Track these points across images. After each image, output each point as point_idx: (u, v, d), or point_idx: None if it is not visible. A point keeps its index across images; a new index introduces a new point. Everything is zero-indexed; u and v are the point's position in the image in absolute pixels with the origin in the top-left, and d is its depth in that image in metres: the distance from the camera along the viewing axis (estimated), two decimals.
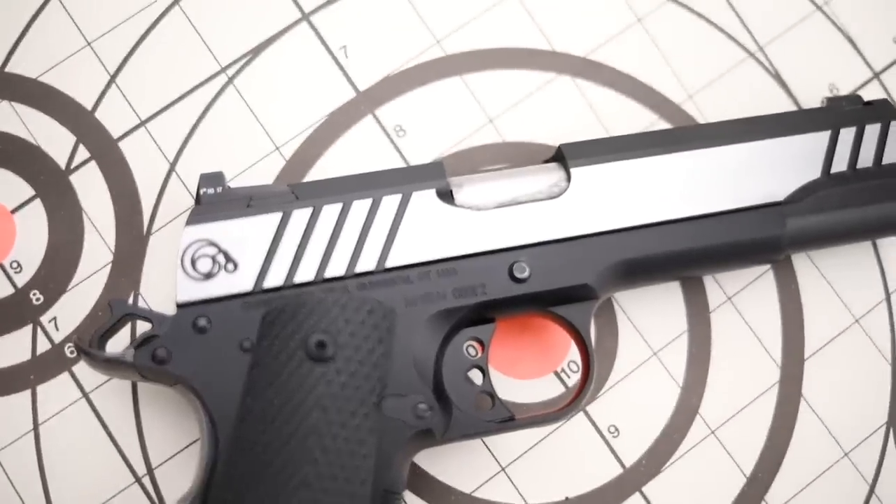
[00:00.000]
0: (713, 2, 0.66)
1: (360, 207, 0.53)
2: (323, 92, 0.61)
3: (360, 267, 0.52)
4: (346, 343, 0.51)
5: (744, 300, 0.62)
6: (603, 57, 0.64)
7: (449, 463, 0.58)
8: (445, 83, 0.62)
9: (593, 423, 0.59)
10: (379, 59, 0.62)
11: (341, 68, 0.61)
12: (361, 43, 0.62)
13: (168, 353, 0.50)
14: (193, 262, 0.51)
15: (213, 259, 0.52)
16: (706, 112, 0.64)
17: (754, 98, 0.65)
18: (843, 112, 0.60)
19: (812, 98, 0.65)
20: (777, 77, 0.65)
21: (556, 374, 0.60)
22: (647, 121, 0.63)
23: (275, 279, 0.52)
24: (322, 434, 0.50)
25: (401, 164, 0.61)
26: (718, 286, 0.62)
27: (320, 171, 0.60)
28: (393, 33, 0.62)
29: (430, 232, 0.53)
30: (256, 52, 0.61)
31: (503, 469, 0.58)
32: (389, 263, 0.53)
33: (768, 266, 0.63)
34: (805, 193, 0.57)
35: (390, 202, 0.53)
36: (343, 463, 0.50)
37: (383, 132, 0.61)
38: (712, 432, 0.60)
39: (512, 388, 0.60)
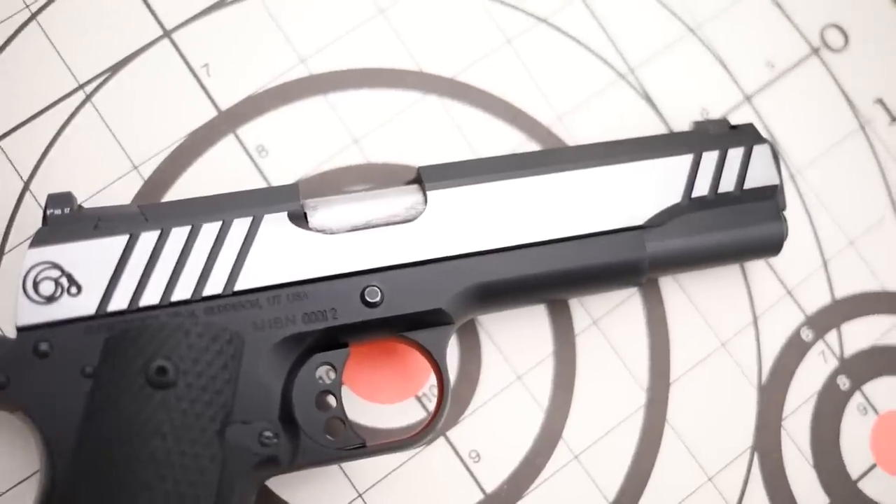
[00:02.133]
0: (584, 23, 0.67)
1: (210, 230, 0.54)
2: (183, 110, 0.62)
3: (208, 291, 0.53)
4: (189, 369, 0.51)
5: (610, 323, 0.64)
6: (471, 78, 0.65)
7: (304, 488, 0.58)
8: (309, 103, 0.63)
9: (454, 449, 0.60)
10: (242, 78, 0.63)
11: (203, 87, 0.62)
12: (224, 61, 0.63)
13: (7, 379, 0.50)
14: (36, 285, 0.52)
15: (57, 282, 0.52)
16: (575, 133, 0.66)
17: (624, 120, 0.67)
18: (708, 136, 0.62)
19: (683, 121, 0.67)
20: (648, 99, 0.67)
21: (418, 398, 0.61)
22: (516, 142, 0.65)
23: (119, 303, 0.52)
24: (161, 462, 0.50)
25: (262, 185, 0.62)
26: (584, 309, 0.64)
27: (179, 191, 0.61)
28: (256, 52, 0.63)
29: (280, 255, 0.54)
30: (116, 69, 0.62)
31: (360, 495, 0.59)
32: (238, 287, 0.53)
33: (635, 289, 0.64)
34: (666, 217, 0.59)
35: (241, 225, 0.54)
36: (183, 491, 0.50)
37: (245, 152, 0.62)
38: (576, 457, 0.62)
39: (373, 414, 0.60)
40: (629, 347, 0.64)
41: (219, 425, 0.51)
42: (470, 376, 0.62)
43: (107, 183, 0.60)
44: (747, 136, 0.62)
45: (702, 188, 0.59)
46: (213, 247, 0.54)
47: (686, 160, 0.60)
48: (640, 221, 0.58)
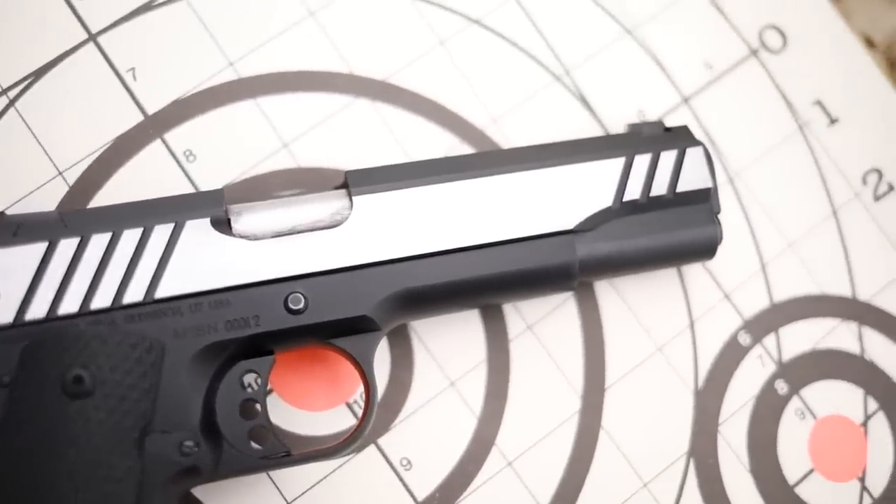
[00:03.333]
0: (518, 25, 0.68)
1: (131, 237, 0.54)
2: (109, 115, 0.62)
3: (128, 298, 0.53)
4: (107, 378, 0.52)
5: (544, 328, 0.65)
6: (404, 80, 0.66)
7: (232, 497, 0.59)
8: (238, 107, 0.64)
9: (385, 456, 0.61)
10: (169, 82, 0.63)
11: (129, 91, 0.63)
12: (151, 65, 0.63)
13: None
14: None
15: None
16: (510, 136, 0.66)
17: (560, 123, 0.67)
18: (641, 138, 0.62)
19: (620, 123, 0.68)
20: (583, 101, 0.68)
21: (349, 405, 0.61)
22: (449, 145, 0.65)
23: (36, 312, 0.52)
24: (77, 472, 0.51)
25: (190, 190, 0.62)
26: (519, 314, 0.64)
27: (106, 197, 0.61)
28: (184, 55, 0.64)
29: (203, 262, 0.54)
30: (40, 73, 0.62)
31: None
32: (159, 295, 0.54)
33: (569, 294, 0.65)
34: (597, 221, 0.59)
35: (162, 231, 0.55)
36: (99, 500, 0.50)
37: (172, 157, 0.62)
38: (509, 464, 0.62)
39: (303, 421, 0.61)
40: (564, 353, 0.65)
41: (137, 435, 0.52)
42: (402, 383, 0.62)
43: (31, 189, 0.61)
44: (681, 138, 0.62)
45: (634, 192, 0.60)
46: (133, 254, 0.54)
47: (618, 163, 0.60)
48: (570, 225, 0.59)
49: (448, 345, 0.63)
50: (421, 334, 0.63)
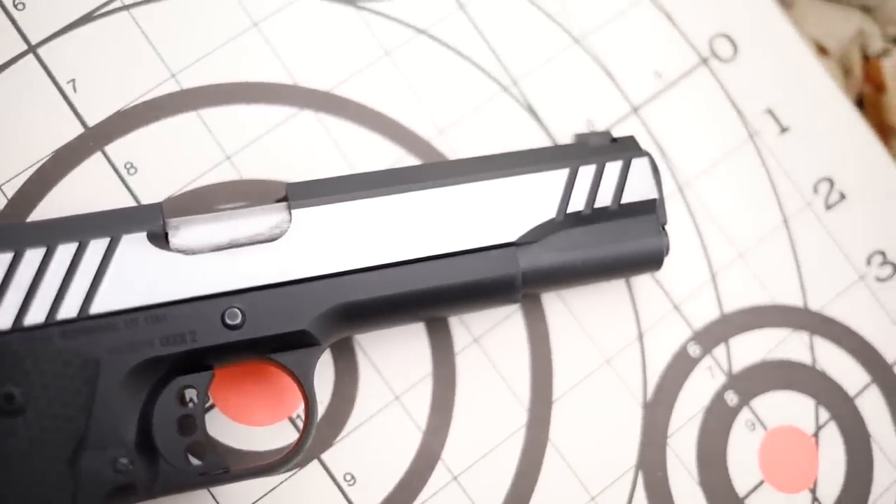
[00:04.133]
0: (466, 35, 0.68)
1: (66, 252, 0.54)
2: (49, 127, 0.62)
3: (62, 314, 0.53)
4: (39, 395, 0.52)
5: (491, 341, 0.65)
6: (349, 91, 0.66)
7: None
8: (181, 118, 0.64)
9: (328, 471, 0.61)
10: (110, 94, 0.63)
11: (69, 103, 0.63)
12: (92, 76, 0.63)
13: None
14: None
15: None
16: (457, 148, 0.66)
17: (508, 133, 0.68)
18: (587, 149, 0.62)
19: (568, 133, 0.68)
20: (531, 112, 0.68)
21: (292, 420, 0.61)
22: (395, 157, 0.66)
23: None
24: (9, 490, 0.51)
25: (131, 203, 0.62)
26: (465, 327, 0.65)
27: (45, 210, 0.61)
28: (126, 66, 0.64)
29: (139, 277, 0.55)
30: None
31: None
32: (94, 311, 0.54)
33: (516, 306, 0.65)
34: (541, 233, 0.60)
35: (98, 246, 0.55)
36: None
37: (113, 170, 0.62)
38: (455, 478, 0.62)
39: (245, 437, 0.61)
40: (510, 365, 0.65)
41: (71, 452, 0.52)
42: (346, 397, 0.62)
43: None
44: (627, 149, 0.63)
45: (578, 203, 0.60)
46: (68, 269, 0.54)
47: (562, 175, 0.61)
48: (513, 238, 0.59)
49: (393, 358, 0.64)
50: (366, 348, 0.63)
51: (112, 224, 0.55)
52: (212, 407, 0.61)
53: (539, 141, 0.68)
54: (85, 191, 0.62)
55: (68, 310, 0.54)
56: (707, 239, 0.69)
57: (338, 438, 0.62)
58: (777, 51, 0.73)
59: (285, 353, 0.57)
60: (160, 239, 0.55)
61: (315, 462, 0.62)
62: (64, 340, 0.53)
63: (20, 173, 0.62)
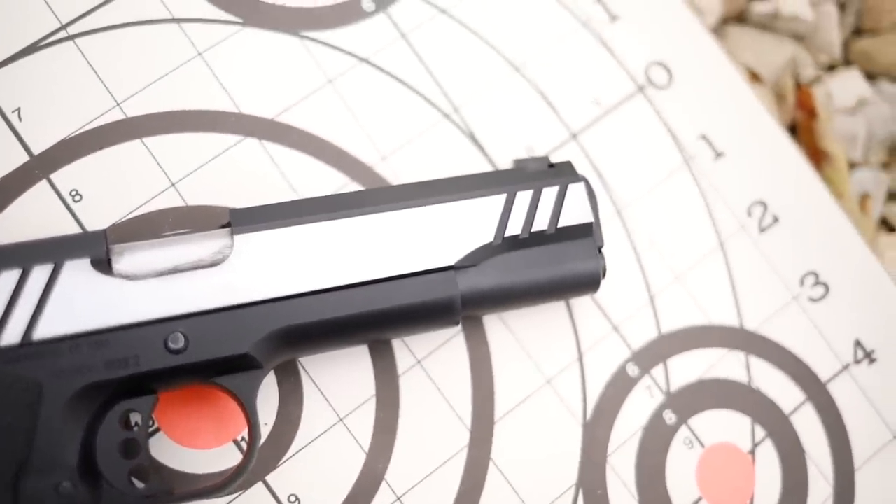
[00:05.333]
0: (407, 63, 0.69)
1: (8, 278, 0.54)
2: None
3: (5, 341, 0.54)
4: None
5: (434, 363, 0.66)
6: (292, 119, 0.67)
7: None
8: (125, 147, 0.64)
9: (272, 493, 0.62)
10: (55, 122, 0.64)
11: (14, 131, 0.63)
12: (37, 105, 0.64)
13: None
14: None
15: None
16: (400, 174, 0.67)
17: (450, 159, 0.69)
18: (525, 174, 0.64)
19: (508, 159, 0.69)
20: (472, 138, 0.69)
21: (236, 443, 0.62)
22: (339, 183, 0.66)
23: None
24: None
25: (77, 230, 0.62)
26: (408, 349, 0.65)
27: None
28: (71, 95, 0.64)
29: (82, 303, 0.55)
30: None
31: None
32: (37, 336, 0.54)
33: (458, 328, 0.66)
34: (479, 257, 0.61)
35: (41, 272, 0.55)
36: None
37: (58, 197, 0.63)
38: (398, 498, 0.63)
39: (191, 460, 0.61)
40: (453, 386, 0.66)
41: (12, 477, 0.52)
42: (290, 419, 0.63)
43: None
44: (564, 174, 0.64)
45: (515, 227, 0.61)
46: (11, 295, 0.54)
47: (499, 199, 0.62)
48: (451, 261, 0.60)
49: (337, 380, 0.64)
50: (310, 370, 0.64)
51: (55, 250, 0.56)
52: (157, 430, 0.61)
53: (480, 166, 0.69)
54: (30, 218, 0.63)
55: (11, 336, 0.54)
56: (645, 261, 0.71)
57: (282, 460, 0.63)
58: (711, 78, 0.75)
59: (228, 376, 0.58)
60: (103, 265, 0.56)
61: (260, 484, 0.62)
62: (6, 365, 0.53)
63: None
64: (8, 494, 0.52)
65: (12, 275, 0.55)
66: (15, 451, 0.53)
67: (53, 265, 0.55)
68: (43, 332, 0.55)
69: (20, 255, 0.55)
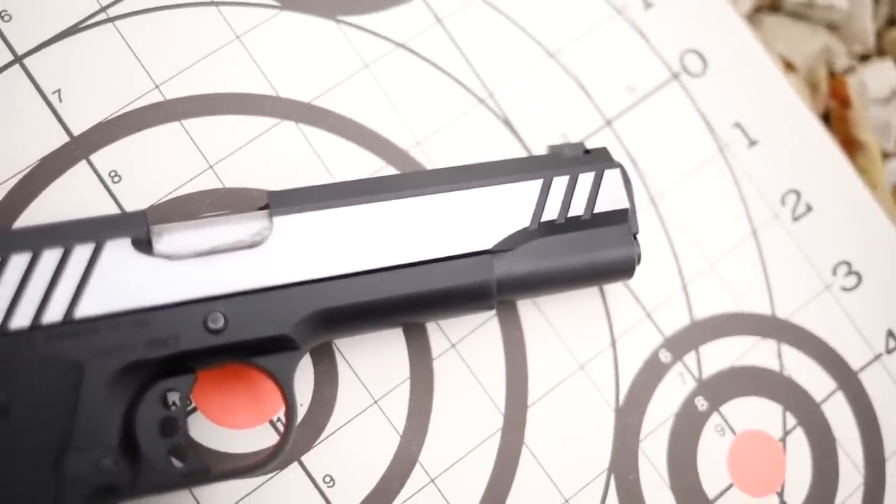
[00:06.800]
0: (443, 48, 0.69)
1: (51, 257, 0.54)
2: (35, 136, 0.63)
3: (47, 319, 0.54)
4: (24, 397, 0.52)
5: (468, 347, 0.66)
6: (329, 103, 0.67)
7: None
8: (164, 129, 0.64)
9: (308, 473, 0.62)
10: (95, 104, 0.64)
11: (55, 112, 0.63)
12: (77, 87, 0.64)
13: None
14: None
15: None
16: (435, 158, 0.67)
17: (484, 144, 0.69)
18: (561, 159, 0.63)
19: (542, 145, 0.69)
20: (507, 124, 0.69)
21: (272, 423, 0.62)
22: (374, 167, 0.66)
23: None
24: None
25: (115, 211, 0.63)
26: (442, 332, 0.65)
27: (30, 217, 0.62)
28: (110, 77, 0.64)
29: (123, 282, 0.55)
30: None
31: None
32: (78, 315, 0.54)
33: (492, 312, 0.66)
34: (515, 242, 0.60)
35: (82, 251, 0.55)
36: None
37: (98, 178, 0.63)
38: (432, 480, 0.63)
39: (227, 439, 0.62)
40: (487, 370, 0.66)
41: (55, 454, 0.52)
42: (326, 401, 0.63)
43: None
44: (600, 160, 0.64)
45: (551, 212, 0.61)
46: (53, 274, 0.54)
47: (536, 185, 0.62)
48: (488, 246, 0.60)
49: (372, 363, 0.64)
50: (345, 353, 0.64)
51: (97, 230, 0.56)
52: (194, 410, 0.61)
53: (514, 152, 0.69)
54: (70, 199, 0.63)
55: (53, 314, 0.54)
56: (678, 249, 0.70)
57: (317, 441, 0.63)
58: (745, 67, 0.75)
59: (266, 356, 0.58)
60: (144, 245, 0.56)
61: (295, 464, 0.62)
62: (48, 344, 0.54)
63: (5, 181, 0.62)
64: (51, 472, 0.52)
65: (55, 253, 0.55)
66: (58, 429, 0.53)
67: (95, 244, 0.55)
68: (84, 310, 0.55)
69: (62, 235, 0.55)
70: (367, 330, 0.62)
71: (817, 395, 0.71)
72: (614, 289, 0.69)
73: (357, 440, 0.63)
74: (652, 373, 0.68)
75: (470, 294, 0.60)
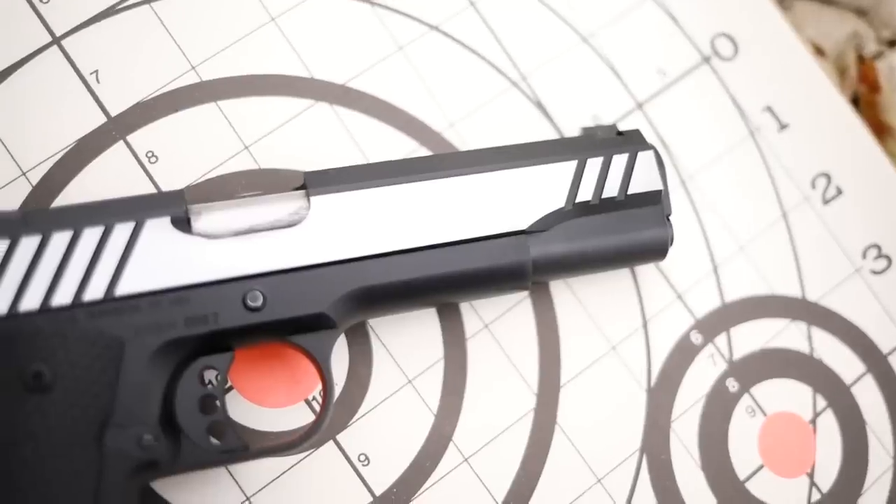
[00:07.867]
0: (476, 31, 0.69)
1: (92, 235, 0.55)
2: (72, 117, 0.63)
3: (88, 296, 0.54)
4: (66, 374, 0.52)
5: (501, 327, 0.66)
6: (363, 85, 0.67)
7: (192, 491, 0.59)
8: (200, 109, 0.64)
9: (343, 452, 0.62)
10: (132, 85, 0.64)
11: (92, 93, 0.63)
12: (114, 68, 0.64)
13: None
14: None
15: None
16: (468, 140, 0.67)
17: (517, 127, 0.69)
18: (594, 141, 0.63)
19: (575, 128, 0.69)
20: (540, 106, 0.69)
21: (308, 402, 0.62)
22: (408, 149, 0.66)
23: None
24: (34, 466, 0.51)
25: (152, 191, 0.63)
26: (476, 313, 0.65)
27: (69, 197, 0.62)
28: (147, 58, 0.64)
29: (162, 260, 0.55)
30: (4, 75, 0.63)
31: (248, 498, 0.60)
32: (119, 292, 0.54)
33: (525, 293, 0.66)
34: (550, 222, 0.60)
35: (123, 230, 0.55)
36: (58, 494, 0.51)
37: (135, 158, 0.63)
38: (465, 460, 0.63)
39: (263, 417, 0.62)
40: (519, 351, 0.66)
41: (97, 430, 0.52)
42: (360, 380, 0.63)
43: None
44: (633, 142, 0.63)
45: (586, 193, 0.61)
46: (94, 252, 0.54)
47: (571, 166, 0.61)
48: (523, 226, 0.60)
49: (406, 343, 0.64)
50: (379, 332, 0.64)
51: (137, 209, 0.56)
52: (230, 389, 0.61)
53: (546, 134, 0.69)
54: (107, 178, 0.63)
55: (94, 291, 0.54)
56: (709, 231, 0.70)
57: (352, 420, 0.63)
58: (776, 50, 0.74)
59: (303, 335, 0.58)
60: (183, 223, 0.56)
61: (330, 443, 0.62)
62: (90, 321, 0.54)
63: (44, 161, 0.63)
64: (94, 446, 0.52)
65: (95, 232, 0.55)
66: (99, 406, 0.53)
67: (135, 223, 0.56)
68: (125, 288, 0.55)
69: (103, 213, 0.56)
70: (404, 309, 0.62)
71: (847, 378, 0.70)
72: (645, 271, 0.69)
73: (392, 419, 0.63)
74: (683, 354, 0.68)
75: (506, 274, 0.60)
